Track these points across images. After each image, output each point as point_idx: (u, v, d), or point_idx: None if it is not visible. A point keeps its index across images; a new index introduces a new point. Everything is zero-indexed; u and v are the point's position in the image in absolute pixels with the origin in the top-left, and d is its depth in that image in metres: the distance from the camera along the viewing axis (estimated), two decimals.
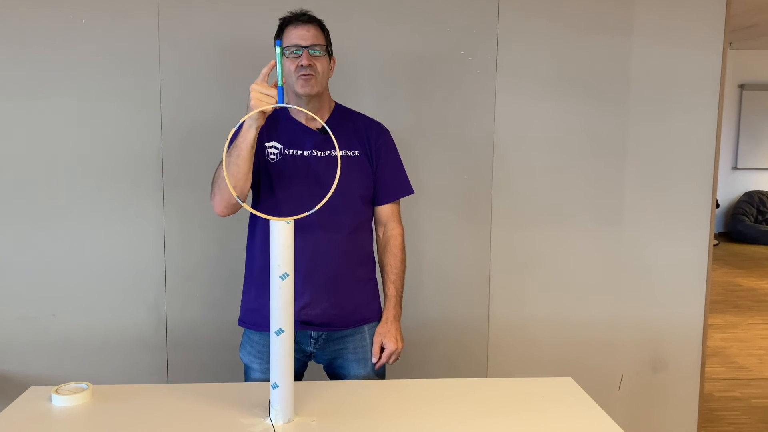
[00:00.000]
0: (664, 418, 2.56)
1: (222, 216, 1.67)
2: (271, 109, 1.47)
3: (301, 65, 1.62)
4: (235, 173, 1.55)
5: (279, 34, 1.68)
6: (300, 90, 1.64)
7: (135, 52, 2.22)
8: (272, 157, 1.70)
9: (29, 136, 2.21)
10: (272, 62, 1.48)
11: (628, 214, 2.46)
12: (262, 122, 1.51)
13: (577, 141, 2.42)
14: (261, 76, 1.49)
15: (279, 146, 1.70)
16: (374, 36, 2.29)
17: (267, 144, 1.70)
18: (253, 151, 1.56)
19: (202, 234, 2.28)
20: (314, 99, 1.68)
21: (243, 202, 1.44)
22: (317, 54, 1.65)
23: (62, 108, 2.21)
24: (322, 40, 1.68)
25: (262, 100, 1.45)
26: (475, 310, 2.44)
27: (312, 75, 1.64)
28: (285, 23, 1.68)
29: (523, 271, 2.45)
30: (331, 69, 1.73)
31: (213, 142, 2.17)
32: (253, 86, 1.46)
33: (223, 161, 1.47)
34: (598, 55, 2.38)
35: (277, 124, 1.72)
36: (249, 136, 1.52)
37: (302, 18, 1.66)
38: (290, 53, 1.63)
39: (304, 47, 1.63)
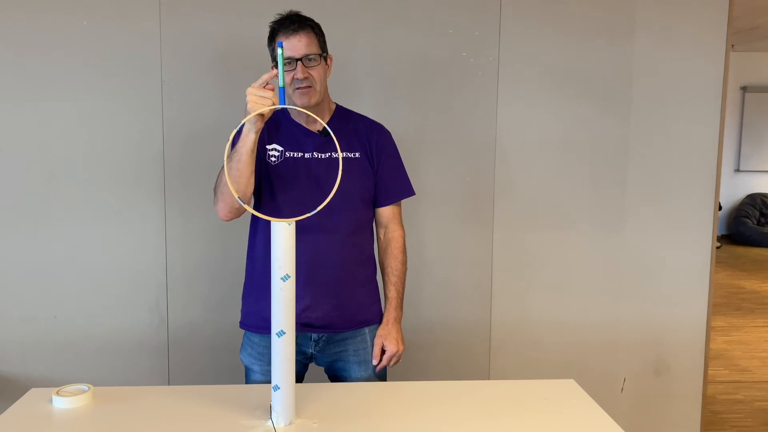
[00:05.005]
0: (667, 420, 2.55)
1: (226, 221, 1.67)
2: (268, 111, 1.46)
3: (297, 78, 1.61)
4: (237, 178, 1.55)
5: (271, 41, 1.66)
6: (299, 102, 1.63)
7: (137, 55, 2.22)
8: (273, 159, 1.69)
9: (31, 138, 2.22)
10: (274, 71, 1.46)
11: (630, 217, 2.45)
12: (261, 126, 1.50)
13: (579, 143, 2.41)
14: (259, 81, 1.46)
15: (280, 149, 1.69)
16: (376, 38, 2.29)
17: (268, 147, 1.70)
18: (254, 155, 1.55)
19: (203, 236, 2.28)
20: (313, 106, 1.66)
21: (246, 204, 1.44)
22: (312, 64, 1.63)
23: (64, 110, 2.22)
24: (315, 47, 1.64)
25: (259, 102, 1.43)
26: (477, 312, 2.44)
27: (310, 87, 1.62)
28: (275, 31, 1.64)
29: (525, 273, 2.45)
30: (328, 68, 1.71)
31: (214, 144, 2.17)
32: (250, 89, 1.44)
33: (225, 166, 1.46)
34: (600, 57, 2.38)
35: (277, 126, 1.72)
36: (249, 140, 1.52)
37: (291, 27, 1.61)
38: (284, 65, 1.60)
39: (297, 59, 1.60)
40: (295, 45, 1.60)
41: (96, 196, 2.25)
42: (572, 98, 2.39)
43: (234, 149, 1.55)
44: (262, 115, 1.48)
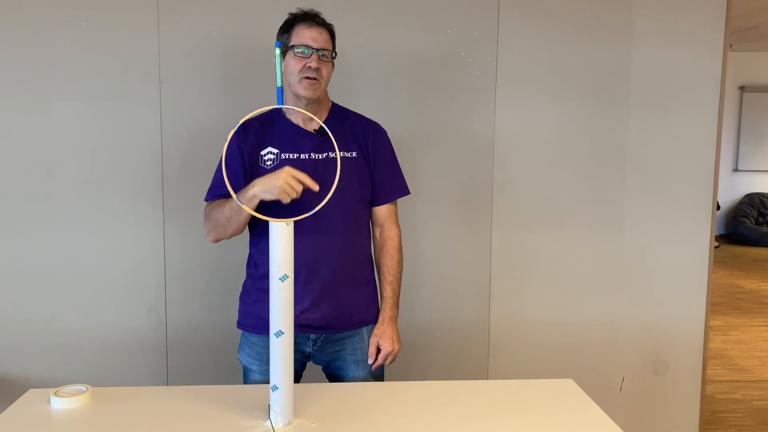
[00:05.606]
0: (666, 420, 2.55)
1: (214, 242, 1.72)
2: (288, 200, 1.49)
3: (309, 66, 1.62)
4: (235, 225, 1.62)
5: (287, 29, 1.66)
6: (302, 92, 1.63)
7: (135, 55, 2.21)
8: (269, 163, 1.68)
9: (29, 138, 2.21)
10: (315, 188, 1.50)
11: (628, 216, 2.46)
12: (268, 199, 1.52)
13: (577, 143, 2.41)
14: (301, 174, 1.49)
15: (275, 151, 1.68)
16: (374, 37, 2.29)
17: (262, 153, 1.68)
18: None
19: (201, 236, 2.26)
20: (313, 102, 1.67)
21: (244, 205, 1.44)
22: (325, 59, 1.65)
23: (62, 110, 2.21)
24: (330, 47, 1.68)
25: (287, 190, 1.48)
26: (476, 311, 2.44)
27: (317, 80, 1.63)
28: (296, 20, 1.66)
29: (524, 272, 2.45)
30: (331, 72, 1.72)
31: (213, 144, 2.17)
32: (289, 170, 1.48)
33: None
34: (599, 56, 2.38)
35: (272, 126, 1.71)
36: (253, 204, 1.53)
37: (317, 20, 1.65)
38: (299, 52, 1.62)
39: (315, 49, 1.63)
40: (316, 37, 1.63)
41: (94, 196, 2.25)
42: (570, 97, 2.39)
43: (231, 206, 1.58)
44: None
